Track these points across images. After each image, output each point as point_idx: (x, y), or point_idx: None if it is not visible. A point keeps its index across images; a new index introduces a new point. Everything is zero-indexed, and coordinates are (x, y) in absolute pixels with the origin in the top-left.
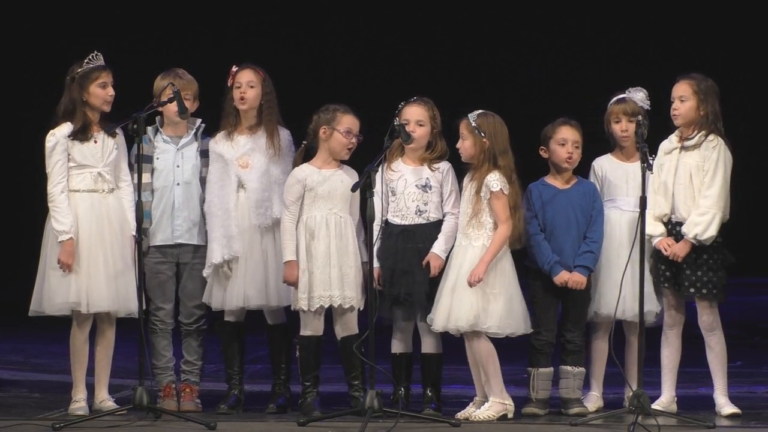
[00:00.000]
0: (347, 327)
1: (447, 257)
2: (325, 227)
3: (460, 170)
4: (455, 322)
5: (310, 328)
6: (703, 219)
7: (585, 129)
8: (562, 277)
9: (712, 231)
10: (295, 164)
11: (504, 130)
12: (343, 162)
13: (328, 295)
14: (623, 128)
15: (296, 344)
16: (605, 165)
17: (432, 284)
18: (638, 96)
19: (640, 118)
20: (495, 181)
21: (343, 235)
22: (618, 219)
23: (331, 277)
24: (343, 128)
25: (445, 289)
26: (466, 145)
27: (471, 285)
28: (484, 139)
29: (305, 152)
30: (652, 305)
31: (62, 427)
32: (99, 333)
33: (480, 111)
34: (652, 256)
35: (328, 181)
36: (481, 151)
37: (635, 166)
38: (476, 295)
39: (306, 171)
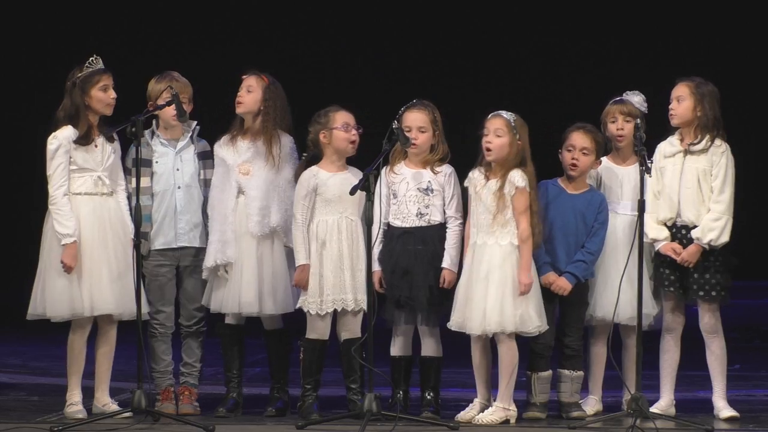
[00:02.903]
0: (351, 330)
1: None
2: (337, 231)
3: (463, 173)
4: (499, 325)
5: (317, 331)
6: (718, 224)
7: None
8: (548, 278)
9: (725, 236)
10: (297, 176)
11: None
12: (351, 164)
13: (341, 298)
14: (619, 127)
15: (300, 347)
16: (601, 168)
17: (434, 288)
18: (635, 99)
19: (638, 121)
20: (520, 177)
21: (355, 239)
22: (613, 222)
23: (345, 280)
24: (339, 124)
25: (476, 291)
26: (500, 143)
27: (524, 293)
28: (519, 141)
29: (306, 165)
30: (648, 309)
31: (61, 430)
32: (101, 335)
33: (510, 112)
34: (653, 260)
35: (337, 184)
36: (515, 152)
37: (630, 169)
38: (515, 297)
39: (314, 174)
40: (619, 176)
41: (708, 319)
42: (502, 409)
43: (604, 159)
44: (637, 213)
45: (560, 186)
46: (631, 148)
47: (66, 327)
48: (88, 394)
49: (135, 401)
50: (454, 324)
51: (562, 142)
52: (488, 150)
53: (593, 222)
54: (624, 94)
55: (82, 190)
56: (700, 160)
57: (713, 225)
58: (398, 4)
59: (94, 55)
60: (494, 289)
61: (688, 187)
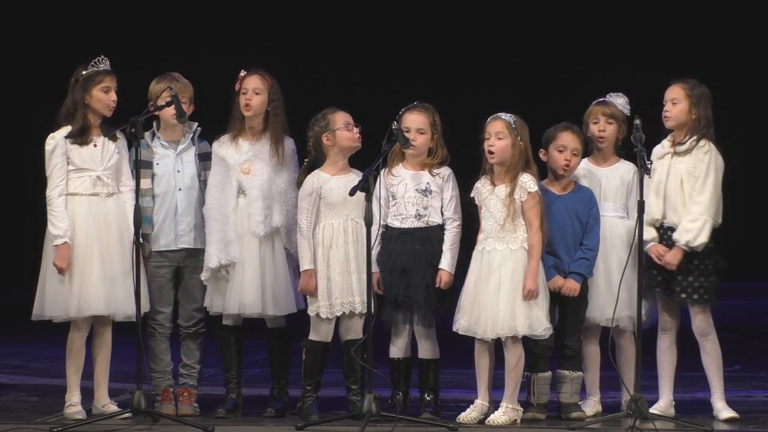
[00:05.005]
0: (355, 331)
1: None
2: (343, 234)
3: (461, 176)
4: (512, 328)
5: (320, 333)
6: (695, 225)
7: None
8: (556, 282)
9: (703, 237)
10: (299, 182)
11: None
12: (354, 167)
13: (349, 301)
14: (601, 129)
15: (303, 347)
16: (580, 169)
17: (431, 287)
18: (619, 101)
19: (638, 121)
20: (530, 182)
21: (361, 241)
22: None
23: (352, 283)
24: (341, 124)
25: (487, 296)
26: (503, 145)
27: (528, 299)
28: (521, 142)
29: (308, 170)
30: (631, 311)
31: (60, 431)
32: (96, 336)
33: (509, 113)
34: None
35: (341, 187)
36: (518, 154)
37: (609, 170)
38: (526, 301)
39: (319, 178)
40: (599, 178)
41: (699, 322)
42: (512, 409)
43: (584, 160)
44: (620, 214)
45: (548, 190)
46: (612, 150)
47: (66, 327)
48: (88, 394)
49: (134, 402)
50: (461, 328)
51: (548, 141)
52: (491, 153)
53: (587, 218)
54: (608, 96)
55: (80, 191)
56: (684, 161)
57: (689, 226)
58: (398, 5)
59: (102, 55)
60: (506, 294)
61: (671, 189)
